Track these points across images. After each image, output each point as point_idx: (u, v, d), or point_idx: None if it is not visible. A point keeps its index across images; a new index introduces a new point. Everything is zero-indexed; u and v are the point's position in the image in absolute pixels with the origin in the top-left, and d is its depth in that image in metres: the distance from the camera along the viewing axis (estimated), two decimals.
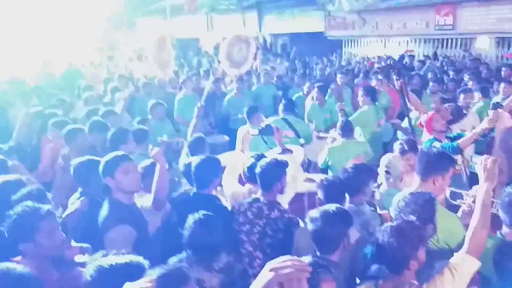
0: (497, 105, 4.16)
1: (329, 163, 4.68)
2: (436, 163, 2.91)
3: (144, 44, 12.50)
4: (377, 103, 6.19)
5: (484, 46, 12.23)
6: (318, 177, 3.75)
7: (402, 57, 11.73)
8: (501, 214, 2.49)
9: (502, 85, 6.57)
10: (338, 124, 4.88)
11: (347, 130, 4.77)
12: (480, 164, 2.28)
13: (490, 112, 4.06)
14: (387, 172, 3.77)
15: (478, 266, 2.14)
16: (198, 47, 18.79)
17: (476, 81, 7.33)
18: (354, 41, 15.08)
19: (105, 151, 4.18)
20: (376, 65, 10.95)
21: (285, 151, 4.02)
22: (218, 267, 2.47)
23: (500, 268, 2.19)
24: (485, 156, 2.33)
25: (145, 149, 4.44)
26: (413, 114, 5.48)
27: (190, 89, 7.48)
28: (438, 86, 7.23)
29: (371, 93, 6.06)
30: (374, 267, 2.35)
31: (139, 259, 1.90)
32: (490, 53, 12.02)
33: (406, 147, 3.93)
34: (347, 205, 3.16)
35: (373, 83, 7.39)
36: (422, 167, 2.93)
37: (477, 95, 6.31)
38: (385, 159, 3.87)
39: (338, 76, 8.51)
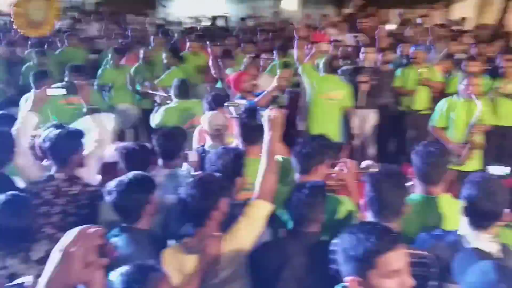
0: (285, 64, 4.51)
1: (166, 124, 4.52)
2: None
3: None
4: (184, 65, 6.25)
5: (291, 6, 13.20)
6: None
7: (215, 18, 11.93)
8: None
9: None
10: (173, 85, 4.82)
11: (182, 90, 4.73)
12: (265, 115, 2.43)
13: (279, 71, 4.42)
14: (218, 129, 3.72)
15: (271, 209, 2.31)
16: None
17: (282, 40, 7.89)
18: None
19: None
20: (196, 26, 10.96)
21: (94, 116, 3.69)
22: (37, 257, 2.20)
23: (290, 210, 2.39)
24: (269, 108, 2.50)
25: None
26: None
27: None
28: (251, 46, 7.57)
29: (175, 54, 6.09)
30: (179, 225, 2.38)
31: None
32: (297, 13, 13.04)
33: (213, 104, 4.02)
34: (160, 170, 3.12)
35: (189, 45, 7.38)
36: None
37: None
38: (214, 118, 3.78)
39: (153, 38, 8.27)
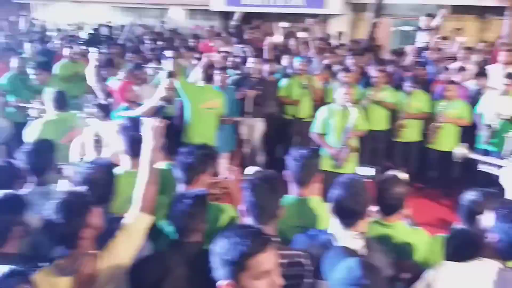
0: (170, 74, 4.45)
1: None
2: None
3: None
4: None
5: (178, 16, 13.16)
6: None
7: (99, 26, 11.45)
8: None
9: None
10: (50, 96, 4.49)
11: (60, 102, 4.45)
12: (148, 125, 2.37)
13: (165, 81, 4.37)
14: (97, 141, 3.61)
15: (150, 221, 2.24)
16: None
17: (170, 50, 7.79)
18: (45, 6, 13.89)
19: None
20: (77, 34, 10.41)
21: None
22: None
23: (171, 220, 2.36)
24: (152, 118, 2.45)
25: None
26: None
27: None
28: (136, 56, 7.36)
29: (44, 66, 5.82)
30: (50, 247, 2.21)
31: None
32: (183, 23, 13.03)
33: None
34: (31, 187, 2.88)
35: (66, 52, 6.97)
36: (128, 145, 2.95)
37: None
38: (94, 128, 3.69)
39: (27, 44, 7.68)
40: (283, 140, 6.81)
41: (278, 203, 2.11)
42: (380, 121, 6.29)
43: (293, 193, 2.58)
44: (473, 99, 6.21)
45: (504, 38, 8.83)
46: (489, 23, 10.58)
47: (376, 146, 6.39)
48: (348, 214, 2.10)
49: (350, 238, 2.07)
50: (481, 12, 10.51)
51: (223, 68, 5.97)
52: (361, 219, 2.12)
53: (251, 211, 2.10)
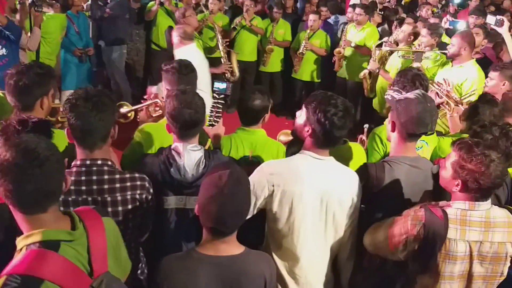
0: None
1: None
2: None
3: None
4: None
5: None
6: None
7: None
8: None
9: None
10: None
11: None
12: None
13: None
14: None
15: None
16: None
17: None
18: None
19: None
20: None
21: None
22: None
23: None
24: None
25: None
26: None
27: None
28: None
29: None
30: None
31: None
32: None
33: None
34: None
35: None
36: None
37: None
38: None
39: None
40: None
41: (105, 123, 1.77)
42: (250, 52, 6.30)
43: None
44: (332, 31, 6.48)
45: None
46: None
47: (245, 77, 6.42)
48: (186, 126, 2.04)
49: (189, 150, 2.04)
50: None
51: None
52: (198, 130, 2.09)
53: (75, 137, 1.78)
